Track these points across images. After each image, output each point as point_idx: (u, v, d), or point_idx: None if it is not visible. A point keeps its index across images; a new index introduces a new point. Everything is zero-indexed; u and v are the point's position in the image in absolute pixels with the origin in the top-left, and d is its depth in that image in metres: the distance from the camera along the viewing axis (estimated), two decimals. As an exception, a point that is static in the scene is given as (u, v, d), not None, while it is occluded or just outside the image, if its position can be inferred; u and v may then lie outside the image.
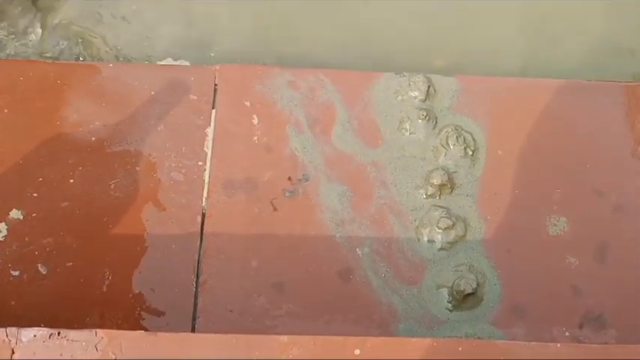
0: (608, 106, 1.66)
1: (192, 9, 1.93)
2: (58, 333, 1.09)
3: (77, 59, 1.81)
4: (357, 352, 1.17)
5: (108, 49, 1.82)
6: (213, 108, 1.63)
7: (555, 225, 1.54)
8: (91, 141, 1.58)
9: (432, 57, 1.92)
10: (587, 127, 1.64)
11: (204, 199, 1.54)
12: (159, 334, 1.13)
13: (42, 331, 1.10)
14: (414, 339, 1.23)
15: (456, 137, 1.59)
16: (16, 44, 1.82)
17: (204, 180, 1.56)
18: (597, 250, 1.52)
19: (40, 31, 1.82)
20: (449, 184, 1.55)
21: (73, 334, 1.10)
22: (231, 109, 1.63)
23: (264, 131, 1.61)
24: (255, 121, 1.62)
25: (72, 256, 1.47)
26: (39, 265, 1.46)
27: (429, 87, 1.65)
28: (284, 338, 1.14)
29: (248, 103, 1.64)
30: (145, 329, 1.41)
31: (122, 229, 1.50)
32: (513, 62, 1.92)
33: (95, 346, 1.09)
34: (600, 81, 1.71)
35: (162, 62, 1.83)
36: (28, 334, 1.13)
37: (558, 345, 1.26)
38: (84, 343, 1.09)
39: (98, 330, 1.10)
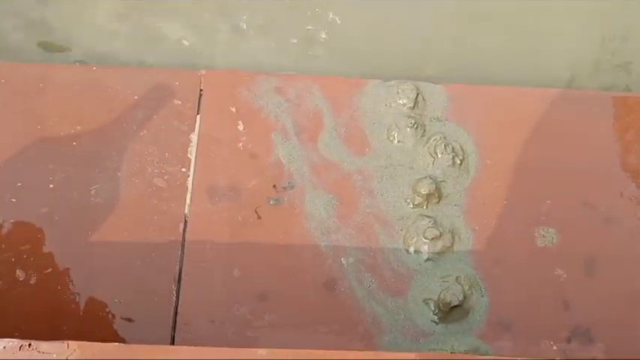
0: (598, 116, 1.64)
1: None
2: (29, 344, 1.06)
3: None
4: (339, 365, 1.14)
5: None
6: (197, 113, 1.60)
7: (544, 236, 1.51)
8: (72, 145, 1.55)
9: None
10: (578, 138, 1.61)
11: (186, 206, 1.51)
12: (133, 345, 1.10)
13: (12, 342, 1.06)
14: (398, 353, 1.20)
15: (445, 146, 1.57)
16: None
17: (187, 187, 1.53)
18: (586, 262, 1.49)
19: None
20: (436, 194, 1.53)
21: (44, 345, 1.06)
22: (216, 114, 1.60)
23: (249, 138, 1.58)
24: (241, 127, 1.60)
25: (50, 263, 1.44)
26: (17, 271, 1.43)
27: (417, 95, 1.62)
28: (262, 352, 1.11)
29: (234, 109, 1.61)
30: (124, 339, 1.38)
31: (102, 235, 1.47)
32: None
33: (67, 359, 1.06)
34: (591, 91, 1.69)
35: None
36: (-3, 345, 1.09)
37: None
38: (55, 355, 1.05)
39: (70, 342, 1.06)
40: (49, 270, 1.44)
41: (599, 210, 1.54)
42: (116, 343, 1.09)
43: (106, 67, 1.66)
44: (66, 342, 1.06)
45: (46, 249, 1.45)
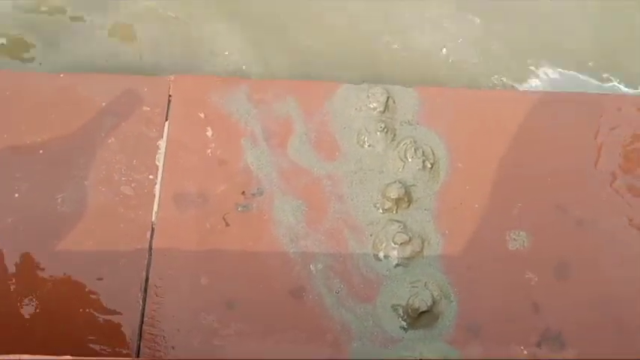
0: (571, 117, 1.62)
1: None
2: (-19, 358, 1.04)
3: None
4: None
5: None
6: (166, 120, 1.59)
7: (515, 240, 1.50)
8: (38, 154, 1.53)
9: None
10: (550, 140, 1.60)
11: (154, 214, 1.49)
12: (90, 358, 1.08)
13: (-36, 356, 1.05)
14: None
15: (415, 150, 1.55)
16: None
17: (154, 194, 1.51)
18: (558, 266, 1.48)
19: None
20: (406, 198, 1.51)
21: (-3, 358, 1.05)
22: (184, 120, 1.59)
23: (218, 144, 1.57)
24: (210, 133, 1.58)
25: (16, 273, 1.42)
26: (-18, 282, 1.41)
27: (388, 98, 1.61)
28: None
29: (202, 115, 1.60)
30: (91, 350, 1.37)
31: (68, 245, 1.45)
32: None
33: (19, 372, 1.05)
34: (563, 92, 1.68)
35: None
36: (-47, 358, 1.08)
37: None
38: (8, 369, 1.04)
39: (23, 355, 1.05)
40: (15, 280, 1.42)
41: (571, 213, 1.52)
42: (69, 357, 1.08)
43: (74, 74, 1.64)
44: (18, 355, 1.05)
45: (11, 259, 1.44)
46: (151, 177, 1.53)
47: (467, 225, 1.51)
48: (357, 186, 1.54)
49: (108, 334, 1.38)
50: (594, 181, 1.56)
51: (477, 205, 1.53)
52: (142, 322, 1.39)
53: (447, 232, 1.50)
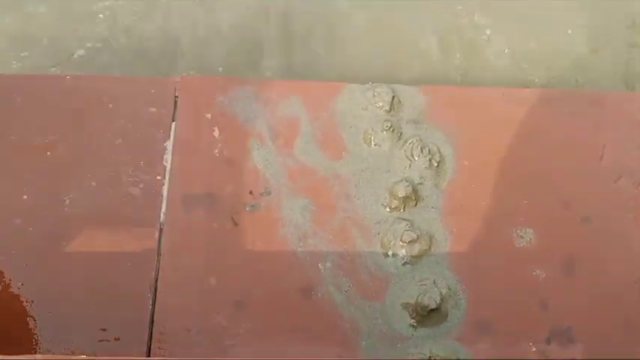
0: (575, 115, 1.63)
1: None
2: (-4, 359, 1.05)
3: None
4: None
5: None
6: (173, 120, 1.59)
7: (522, 237, 1.51)
8: (45, 155, 1.54)
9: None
10: (555, 137, 1.61)
11: (162, 215, 1.50)
12: (104, 357, 1.08)
13: (-22, 357, 1.05)
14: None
15: (421, 148, 1.56)
16: None
17: (162, 195, 1.52)
18: (565, 262, 1.49)
19: None
20: (413, 197, 1.52)
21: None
22: (191, 121, 1.59)
23: (225, 144, 1.57)
24: (217, 133, 1.59)
25: (24, 275, 1.43)
26: (-9, 284, 1.42)
27: (393, 97, 1.62)
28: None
29: (209, 116, 1.60)
30: (99, 350, 1.37)
31: (77, 246, 1.46)
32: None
33: (34, 372, 1.05)
34: (568, 90, 1.69)
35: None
36: (-33, 359, 1.08)
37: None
38: (22, 369, 1.04)
39: (37, 355, 1.05)
40: (23, 282, 1.42)
41: (576, 210, 1.53)
42: (84, 356, 1.08)
43: (80, 76, 1.65)
44: (33, 356, 1.05)
45: (20, 261, 1.44)
46: (158, 178, 1.53)
47: (474, 222, 1.52)
48: (364, 185, 1.55)
49: (117, 335, 1.38)
50: (599, 178, 1.57)
51: (483, 203, 1.54)
52: (152, 322, 1.40)
53: (454, 229, 1.51)
